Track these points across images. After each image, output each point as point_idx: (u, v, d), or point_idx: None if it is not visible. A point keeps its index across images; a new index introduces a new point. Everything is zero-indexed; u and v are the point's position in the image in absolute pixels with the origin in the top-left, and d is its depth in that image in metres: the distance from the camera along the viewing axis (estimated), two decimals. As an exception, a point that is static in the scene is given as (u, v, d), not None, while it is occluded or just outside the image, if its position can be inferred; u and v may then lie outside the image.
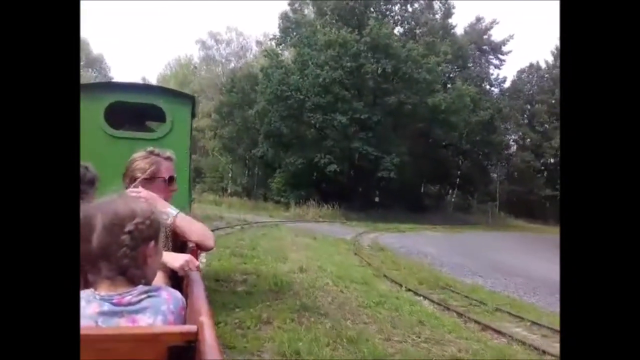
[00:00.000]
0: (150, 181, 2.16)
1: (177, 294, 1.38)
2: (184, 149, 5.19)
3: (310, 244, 14.80)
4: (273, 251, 11.95)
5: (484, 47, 44.09)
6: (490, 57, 44.64)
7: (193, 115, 5.88)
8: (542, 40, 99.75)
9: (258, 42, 49.16)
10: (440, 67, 30.87)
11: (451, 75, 33.43)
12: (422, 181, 42.03)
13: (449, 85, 32.92)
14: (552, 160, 52.78)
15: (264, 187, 39.10)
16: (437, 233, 26.16)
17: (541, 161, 51.75)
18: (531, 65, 51.83)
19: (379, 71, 28.67)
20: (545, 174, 54.02)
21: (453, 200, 48.09)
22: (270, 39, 33.73)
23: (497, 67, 44.67)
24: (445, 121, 31.49)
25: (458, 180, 42.54)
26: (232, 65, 49.89)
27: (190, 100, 5.77)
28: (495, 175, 42.36)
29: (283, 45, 33.26)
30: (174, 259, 1.79)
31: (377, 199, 34.51)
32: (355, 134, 29.55)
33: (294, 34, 33.09)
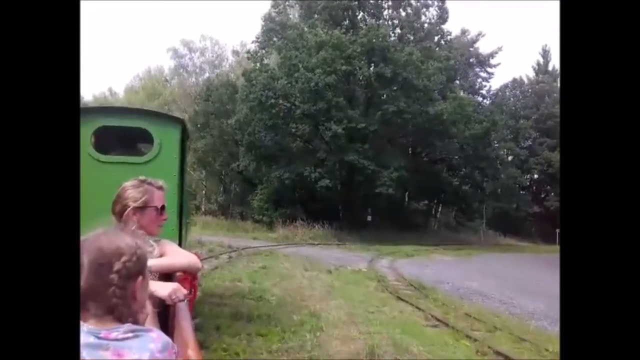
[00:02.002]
0: (141, 210, 2.07)
1: (166, 337, 1.29)
2: (173, 173, 4.84)
3: (330, 282, 10.84)
4: (290, 301, 7.96)
5: (471, 60, 41.61)
6: (478, 69, 42.18)
7: (185, 139, 5.53)
8: (523, 55, 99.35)
9: (235, 52, 45.14)
10: (442, 74, 27.65)
11: (441, 86, 30.27)
12: (409, 197, 38.68)
13: (447, 94, 29.74)
14: (536, 176, 50.72)
15: (242, 204, 34.88)
16: (448, 257, 22.54)
17: (527, 177, 49.58)
18: (514, 80, 49.96)
19: (375, 76, 25.16)
20: (532, 189, 51.86)
21: (438, 217, 45.05)
22: (253, 42, 29.83)
23: (485, 79, 42.25)
24: (445, 132, 28.24)
25: (449, 196, 39.34)
26: (207, 75, 45.70)
27: (179, 123, 5.33)
28: (497, 192, 39.44)
29: (267, 49, 29.33)
30: (162, 288, 1.73)
31: (369, 218, 30.74)
32: (349, 146, 25.86)
33: (279, 36, 29.35)
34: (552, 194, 50.86)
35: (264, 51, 28.75)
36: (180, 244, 4.59)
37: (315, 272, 12.28)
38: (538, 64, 52.68)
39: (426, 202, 41.75)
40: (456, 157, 30.45)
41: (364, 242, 27.50)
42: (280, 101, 26.74)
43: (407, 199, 38.29)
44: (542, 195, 51.57)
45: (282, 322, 6.56)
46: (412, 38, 29.40)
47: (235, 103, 32.72)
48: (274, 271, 11.68)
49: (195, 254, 5.40)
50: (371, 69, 24.83)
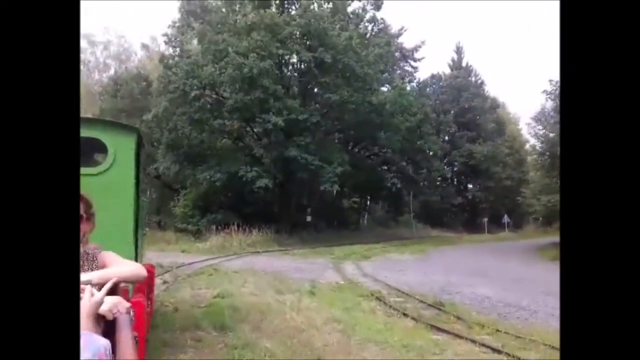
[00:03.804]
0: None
1: (99, 340, 1.31)
2: (128, 184, 4.49)
3: (322, 308, 7.61)
4: (291, 347, 4.70)
5: (397, 54, 40.26)
6: (403, 63, 40.98)
7: (141, 148, 5.13)
8: (441, 51, 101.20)
9: (144, 46, 39.69)
10: (382, 61, 25.36)
11: (384, 74, 28.17)
12: (343, 194, 36.30)
13: (385, 84, 27.62)
14: (456, 169, 51.01)
15: (160, 213, 30.15)
16: (405, 256, 20.20)
17: (448, 169, 49.63)
18: (433, 76, 49.85)
19: (315, 62, 22.14)
20: (454, 182, 52.15)
21: (369, 213, 43.41)
22: (169, 27, 25.35)
23: (411, 74, 41.12)
24: (386, 124, 26.05)
25: (381, 191, 37.61)
26: (112, 71, 39.73)
27: (133, 131, 4.79)
28: (422, 184, 38.25)
29: (186, 34, 25.00)
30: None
31: (309, 218, 27.70)
32: (290, 140, 22.63)
33: (200, 20, 25.24)
34: (471, 185, 51.69)
35: (182, 36, 24.44)
36: (136, 258, 4.52)
37: (290, 294, 8.98)
38: (453, 60, 53.30)
39: (357, 198, 39.74)
40: (393, 149, 28.39)
41: (306, 244, 24.47)
42: (207, 91, 22.76)
43: (341, 196, 35.87)
44: (462, 187, 52.20)
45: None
46: (346, 24, 26.76)
47: (149, 98, 28.08)
48: (238, 300, 8.17)
49: (151, 265, 5.69)
50: (312, 53, 21.74)
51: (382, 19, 29.25)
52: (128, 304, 1.63)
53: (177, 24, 25.75)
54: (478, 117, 48.44)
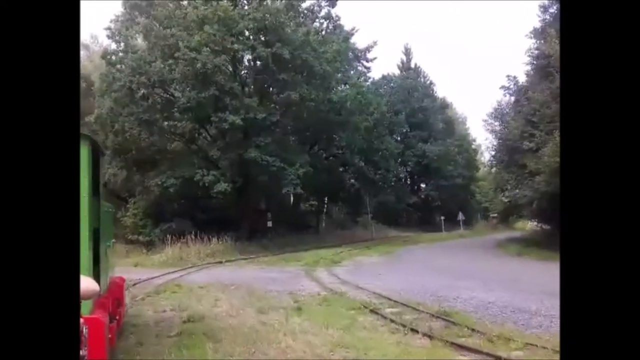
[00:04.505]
0: None
1: None
2: (82, 194, 4.16)
3: (310, 327, 6.38)
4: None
5: (350, 54, 39.62)
6: (356, 63, 40.34)
7: (99, 157, 5.25)
8: (389, 52, 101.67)
9: (85, 46, 36.56)
10: (340, 58, 24.41)
11: (341, 72, 27.23)
12: (301, 196, 35.07)
13: (340, 81, 26.64)
14: (409, 169, 51.10)
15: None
16: (375, 258, 19.29)
17: (401, 169, 49.61)
18: (384, 76, 49.76)
19: (272, 58, 20.78)
20: (408, 181, 52.28)
21: (326, 215, 42.43)
22: (112, 21, 23.06)
23: (364, 74, 40.54)
24: (346, 123, 25.14)
25: (339, 193, 36.78)
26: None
27: (86, 140, 4.59)
28: (380, 185, 37.69)
29: (131, 29, 22.80)
30: None
31: (269, 224, 26.21)
32: (248, 141, 21.13)
33: (145, 15, 23.17)
34: (424, 184, 52.05)
35: (127, 31, 22.28)
36: (97, 271, 4.47)
37: (273, 311, 7.67)
38: (402, 61, 53.65)
39: (315, 200, 38.62)
40: (356, 149, 27.58)
41: (268, 250, 23.06)
42: (156, 90, 20.82)
43: (299, 199, 34.60)
44: (416, 187, 52.49)
45: None
46: (301, 20, 25.62)
47: (90, 99, 25.59)
48: (214, 325, 6.77)
49: (121, 278, 6.81)
50: (268, 49, 20.35)
51: (337, 15, 28.33)
52: (81, 319, 1.59)
53: (121, 19, 23.49)
54: (429, 117, 48.83)
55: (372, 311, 7.71)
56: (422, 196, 50.93)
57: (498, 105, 24.55)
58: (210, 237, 21.36)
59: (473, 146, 58.02)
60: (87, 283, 1.77)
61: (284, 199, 28.71)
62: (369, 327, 6.63)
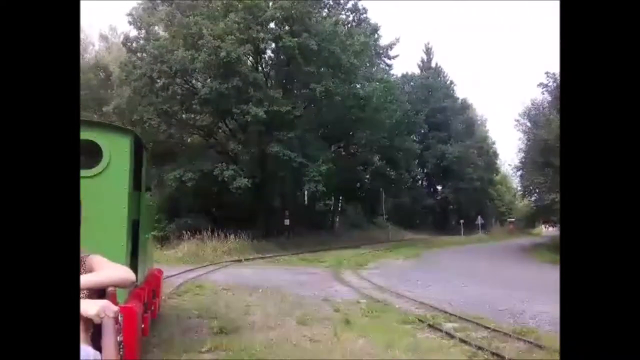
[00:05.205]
0: None
1: (88, 351, 1.31)
2: (122, 187, 4.33)
3: (368, 346, 5.36)
4: None
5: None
6: (378, 61, 39.23)
7: (141, 150, 5.06)
8: (411, 50, 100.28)
9: (103, 37, 35.89)
10: (369, 51, 23.35)
11: (368, 65, 26.18)
12: (319, 195, 33.99)
13: (368, 76, 25.54)
14: (427, 170, 49.79)
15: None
16: (400, 260, 18.22)
17: (418, 170, 48.32)
18: (404, 75, 48.52)
19: (299, 49, 19.76)
20: (424, 183, 50.99)
21: (341, 215, 41.35)
22: (134, 8, 22.19)
23: (386, 71, 39.41)
24: (371, 119, 24.02)
25: (357, 192, 35.70)
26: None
27: (129, 133, 4.66)
28: (399, 186, 36.51)
29: (152, 17, 21.95)
30: (89, 307, 1.52)
31: (287, 222, 25.22)
32: (271, 134, 20.15)
33: (167, 3, 22.29)
34: (440, 186, 50.70)
35: (149, 18, 21.44)
36: (135, 261, 4.46)
37: (316, 323, 6.66)
38: (422, 61, 52.39)
39: (330, 199, 37.52)
40: (380, 146, 26.47)
41: (285, 249, 22.10)
42: (177, 80, 19.93)
43: (315, 197, 33.58)
44: (432, 189, 51.19)
45: None
46: (328, 11, 24.61)
47: (109, 90, 24.91)
48: (252, 339, 5.78)
49: (159, 270, 6.66)
50: (295, 39, 19.34)
51: (364, 8, 27.25)
52: (116, 308, 1.56)
53: (142, 6, 22.66)
54: (449, 118, 47.50)
55: (431, 326, 6.65)
56: (439, 198, 49.59)
57: (532, 104, 23.26)
58: (228, 234, 20.46)
59: (492, 149, 56.61)
60: (123, 272, 1.77)
61: (299, 197, 27.73)
62: (436, 348, 5.58)
